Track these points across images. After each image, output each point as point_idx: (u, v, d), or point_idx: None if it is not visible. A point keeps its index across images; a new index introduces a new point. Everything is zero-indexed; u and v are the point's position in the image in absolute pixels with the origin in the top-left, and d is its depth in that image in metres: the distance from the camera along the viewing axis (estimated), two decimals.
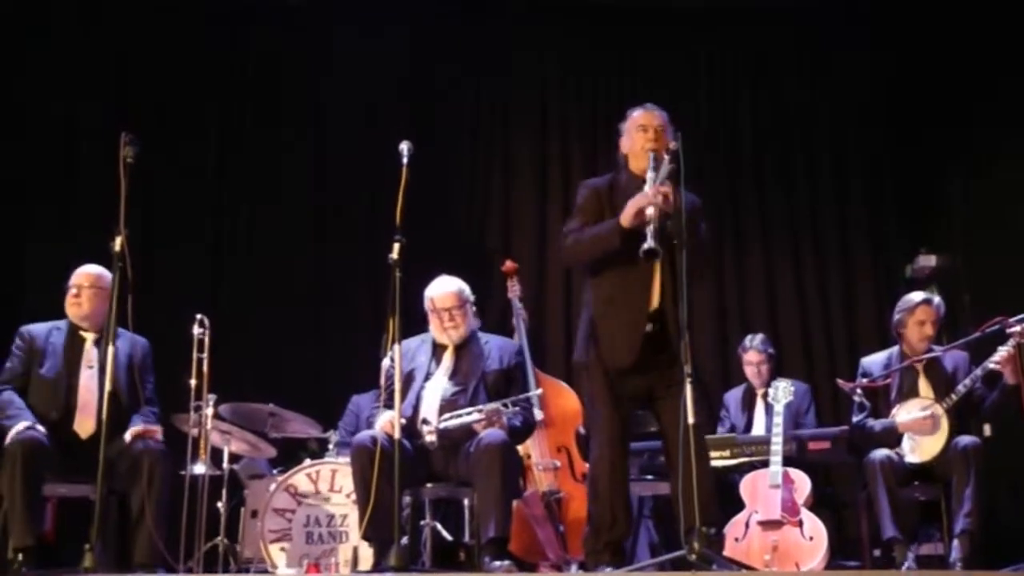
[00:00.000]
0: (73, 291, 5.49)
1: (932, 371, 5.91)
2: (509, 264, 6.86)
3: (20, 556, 4.89)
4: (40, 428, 5.12)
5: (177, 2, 7.97)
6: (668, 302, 4.65)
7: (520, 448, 5.92)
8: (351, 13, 8.00)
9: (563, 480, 6.00)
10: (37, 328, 5.49)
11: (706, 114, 8.09)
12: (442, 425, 5.17)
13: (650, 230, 4.51)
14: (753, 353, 6.89)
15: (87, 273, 5.52)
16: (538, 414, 6.07)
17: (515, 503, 5.52)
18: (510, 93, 8.35)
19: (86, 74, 7.88)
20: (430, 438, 5.13)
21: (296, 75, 8.09)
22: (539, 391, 6.00)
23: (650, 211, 4.55)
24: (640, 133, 4.87)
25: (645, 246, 4.48)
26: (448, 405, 5.34)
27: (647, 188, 4.68)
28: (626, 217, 4.64)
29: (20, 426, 5.10)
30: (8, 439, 5.06)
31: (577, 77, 8.22)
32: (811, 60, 8.22)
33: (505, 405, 5.26)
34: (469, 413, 5.21)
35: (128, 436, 5.20)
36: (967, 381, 5.72)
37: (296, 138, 8.12)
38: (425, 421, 5.17)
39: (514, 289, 6.73)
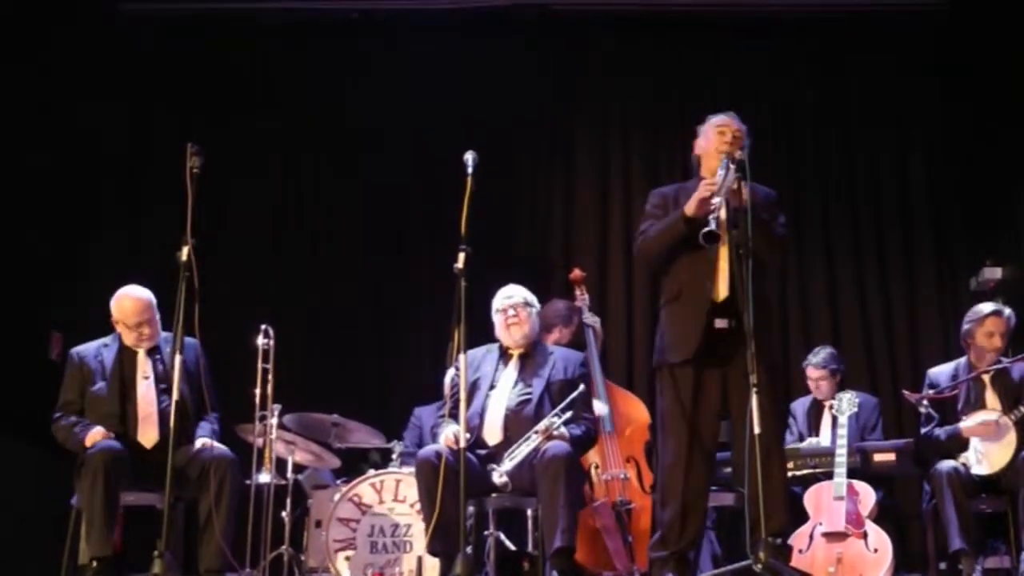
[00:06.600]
0: (123, 326, 5.43)
1: (999, 382, 5.84)
2: (576, 273, 6.68)
3: (95, 564, 4.96)
4: (113, 436, 5.18)
5: (242, 16, 8.08)
6: (739, 299, 4.59)
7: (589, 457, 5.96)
8: (414, 24, 8.07)
9: (631, 492, 5.94)
10: (86, 349, 5.51)
11: (769, 126, 8.03)
12: (509, 466, 5.18)
13: (713, 217, 4.52)
14: (812, 369, 6.81)
15: (136, 305, 5.43)
16: (606, 424, 6.07)
17: (585, 513, 5.54)
18: (573, 103, 8.35)
19: (154, 82, 8.01)
20: (502, 480, 5.14)
21: (358, 85, 8.15)
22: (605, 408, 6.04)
23: (716, 200, 4.57)
24: (718, 135, 4.88)
25: (706, 229, 4.48)
26: (513, 415, 5.38)
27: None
28: (691, 206, 4.67)
29: (96, 434, 5.16)
30: (87, 446, 5.11)
31: (639, 85, 8.22)
32: (874, 72, 8.15)
33: (557, 415, 5.27)
34: (527, 439, 5.23)
35: (197, 445, 5.26)
36: None
37: (359, 147, 8.16)
38: (493, 468, 5.18)
39: (582, 298, 6.58)
